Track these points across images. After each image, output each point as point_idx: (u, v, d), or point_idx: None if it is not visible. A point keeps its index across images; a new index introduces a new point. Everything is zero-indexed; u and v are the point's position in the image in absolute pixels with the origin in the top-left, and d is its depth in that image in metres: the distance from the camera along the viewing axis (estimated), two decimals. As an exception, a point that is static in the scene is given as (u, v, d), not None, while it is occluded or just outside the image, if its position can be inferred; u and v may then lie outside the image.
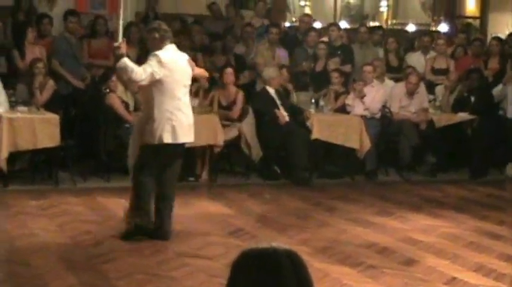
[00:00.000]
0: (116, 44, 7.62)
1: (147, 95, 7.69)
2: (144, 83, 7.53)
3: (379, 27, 14.69)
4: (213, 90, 11.42)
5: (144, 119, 7.74)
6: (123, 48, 7.56)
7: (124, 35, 8.01)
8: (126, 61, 7.47)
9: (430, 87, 12.75)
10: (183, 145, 7.80)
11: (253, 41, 12.91)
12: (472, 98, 12.43)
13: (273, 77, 11.45)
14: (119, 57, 7.52)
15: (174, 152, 7.74)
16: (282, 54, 12.62)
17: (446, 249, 7.85)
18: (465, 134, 12.31)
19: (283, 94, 11.65)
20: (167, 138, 7.60)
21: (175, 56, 7.73)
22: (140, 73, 7.43)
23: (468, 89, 12.52)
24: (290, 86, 12.10)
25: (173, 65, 7.58)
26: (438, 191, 11.02)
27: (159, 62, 7.48)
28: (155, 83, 7.54)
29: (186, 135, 7.74)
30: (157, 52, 7.60)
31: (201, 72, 8.63)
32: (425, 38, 13.67)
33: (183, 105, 7.68)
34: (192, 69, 7.84)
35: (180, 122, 7.63)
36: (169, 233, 7.76)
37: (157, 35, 7.67)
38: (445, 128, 12.02)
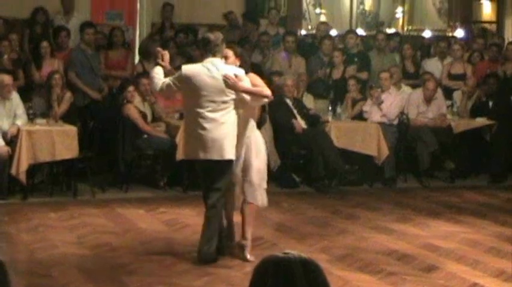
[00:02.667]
0: (159, 50, 7.64)
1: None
2: (162, 93, 7.55)
3: (396, 33, 14.67)
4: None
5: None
6: (165, 57, 7.53)
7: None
8: (154, 70, 7.52)
9: (448, 93, 12.72)
10: (211, 161, 7.36)
11: (268, 50, 12.92)
12: (490, 103, 12.39)
13: (287, 85, 11.43)
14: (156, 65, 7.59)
15: (202, 167, 7.49)
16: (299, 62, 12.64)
17: (467, 255, 7.81)
18: (484, 139, 12.27)
19: (300, 102, 11.64)
20: (189, 155, 7.61)
21: (203, 70, 7.36)
22: (158, 83, 7.43)
23: (486, 94, 12.49)
24: (306, 95, 12.09)
25: (196, 79, 7.31)
26: (457, 197, 10.98)
27: (180, 75, 7.42)
28: (183, 97, 7.69)
29: (208, 152, 7.32)
30: (184, 66, 7.59)
31: (251, 89, 7.53)
32: (442, 44, 13.62)
33: (204, 121, 7.31)
34: (231, 85, 7.29)
35: (199, 137, 7.33)
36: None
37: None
38: (464, 133, 11.98)
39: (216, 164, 7.34)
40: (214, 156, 7.30)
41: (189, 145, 7.55)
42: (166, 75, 7.51)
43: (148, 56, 11.44)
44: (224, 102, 7.34)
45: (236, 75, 7.32)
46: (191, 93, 7.38)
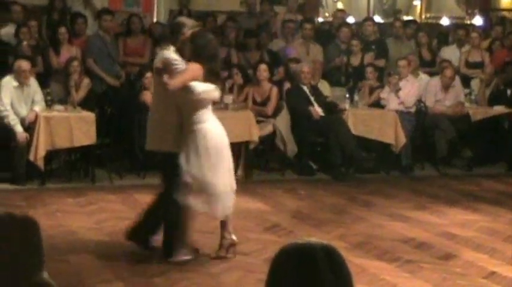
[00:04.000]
0: None
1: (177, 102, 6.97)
2: None
3: (414, 21, 14.62)
4: (247, 87, 11.42)
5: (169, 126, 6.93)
6: None
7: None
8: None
9: (466, 81, 12.67)
10: None
11: (292, 37, 12.87)
12: (509, 91, 12.34)
13: (303, 71, 11.40)
14: None
15: None
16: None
17: (484, 243, 7.80)
18: (502, 127, 12.22)
19: (317, 90, 11.63)
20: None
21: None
22: None
23: (504, 82, 12.44)
24: (321, 82, 12.07)
25: None
26: (475, 185, 10.95)
27: None
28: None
29: None
30: None
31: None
32: (460, 32, 13.56)
33: None
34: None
35: None
36: None
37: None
38: (481, 121, 11.94)
39: None
40: None
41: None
42: None
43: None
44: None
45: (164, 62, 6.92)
46: None
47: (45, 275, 1.83)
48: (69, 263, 6.89)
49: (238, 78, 11.28)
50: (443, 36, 14.67)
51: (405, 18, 15.73)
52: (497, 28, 14.15)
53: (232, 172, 7.08)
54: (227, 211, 6.96)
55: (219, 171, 6.81)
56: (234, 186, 6.99)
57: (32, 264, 1.76)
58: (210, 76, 6.86)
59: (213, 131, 6.86)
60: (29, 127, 10.03)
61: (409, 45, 13.09)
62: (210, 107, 6.95)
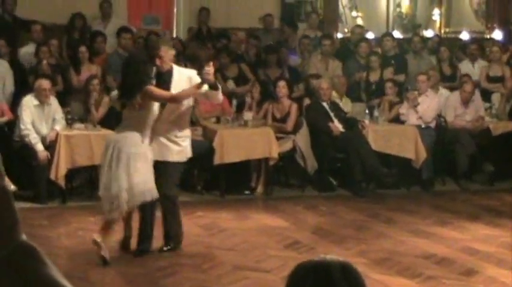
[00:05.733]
0: (207, 69, 7.33)
1: (182, 113, 7.67)
2: None
3: (436, 35, 14.64)
4: (267, 103, 11.44)
5: (170, 139, 7.64)
6: (212, 74, 7.43)
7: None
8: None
9: (486, 95, 12.63)
10: None
11: (309, 53, 12.91)
12: (529, 105, 12.29)
13: (322, 88, 11.41)
14: (214, 82, 7.47)
15: None
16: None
17: (506, 258, 7.73)
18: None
19: (337, 106, 11.62)
20: (189, 153, 7.84)
21: None
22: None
23: (525, 96, 12.39)
24: (345, 98, 12.07)
25: None
26: (496, 200, 10.88)
27: None
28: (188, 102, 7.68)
29: None
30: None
31: None
32: (472, 46, 13.58)
33: None
34: None
35: None
36: None
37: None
38: (502, 135, 11.88)
39: None
40: None
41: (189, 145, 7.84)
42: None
43: (196, 60, 11.37)
44: None
45: None
46: None
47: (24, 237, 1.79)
48: (90, 282, 6.90)
49: (257, 94, 11.31)
50: (463, 50, 14.64)
51: (425, 32, 15.71)
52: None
53: None
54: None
55: None
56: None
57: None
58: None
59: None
60: (50, 146, 10.08)
61: (429, 60, 13.08)
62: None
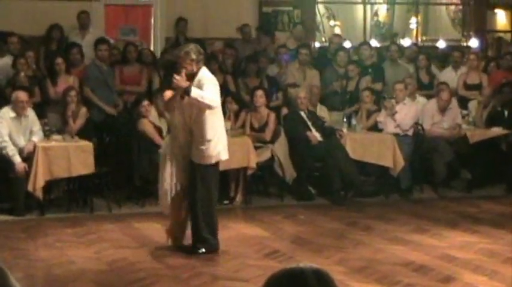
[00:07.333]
0: (177, 78, 7.79)
1: (197, 118, 7.89)
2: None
3: (414, 44, 14.72)
4: (244, 113, 11.45)
5: (193, 142, 7.96)
6: (184, 80, 7.82)
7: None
8: (197, 90, 7.76)
9: (463, 103, 12.70)
10: None
11: (286, 63, 12.92)
12: (506, 113, 12.36)
13: (300, 97, 11.45)
14: (184, 88, 7.77)
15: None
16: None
17: (484, 265, 7.78)
18: (500, 149, 12.22)
19: (315, 114, 11.64)
20: (224, 155, 8.14)
21: None
22: (214, 99, 7.85)
23: (501, 103, 12.46)
24: (320, 107, 12.10)
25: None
26: (474, 207, 10.93)
27: (216, 84, 7.97)
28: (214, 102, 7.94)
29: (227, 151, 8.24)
30: (209, 75, 7.98)
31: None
32: (455, 54, 13.62)
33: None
34: None
35: (226, 139, 8.19)
36: None
37: (194, 57, 7.84)
38: (480, 143, 11.94)
39: None
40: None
41: (221, 148, 8.11)
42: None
43: (170, 68, 11.30)
44: None
45: None
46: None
47: None
48: (69, 294, 6.88)
49: (233, 106, 11.34)
50: (440, 58, 14.71)
51: (402, 41, 15.79)
52: (493, 49, 14.20)
53: None
54: None
55: None
56: None
57: None
58: None
59: None
60: (27, 158, 10.04)
61: (406, 69, 13.12)
62: None
